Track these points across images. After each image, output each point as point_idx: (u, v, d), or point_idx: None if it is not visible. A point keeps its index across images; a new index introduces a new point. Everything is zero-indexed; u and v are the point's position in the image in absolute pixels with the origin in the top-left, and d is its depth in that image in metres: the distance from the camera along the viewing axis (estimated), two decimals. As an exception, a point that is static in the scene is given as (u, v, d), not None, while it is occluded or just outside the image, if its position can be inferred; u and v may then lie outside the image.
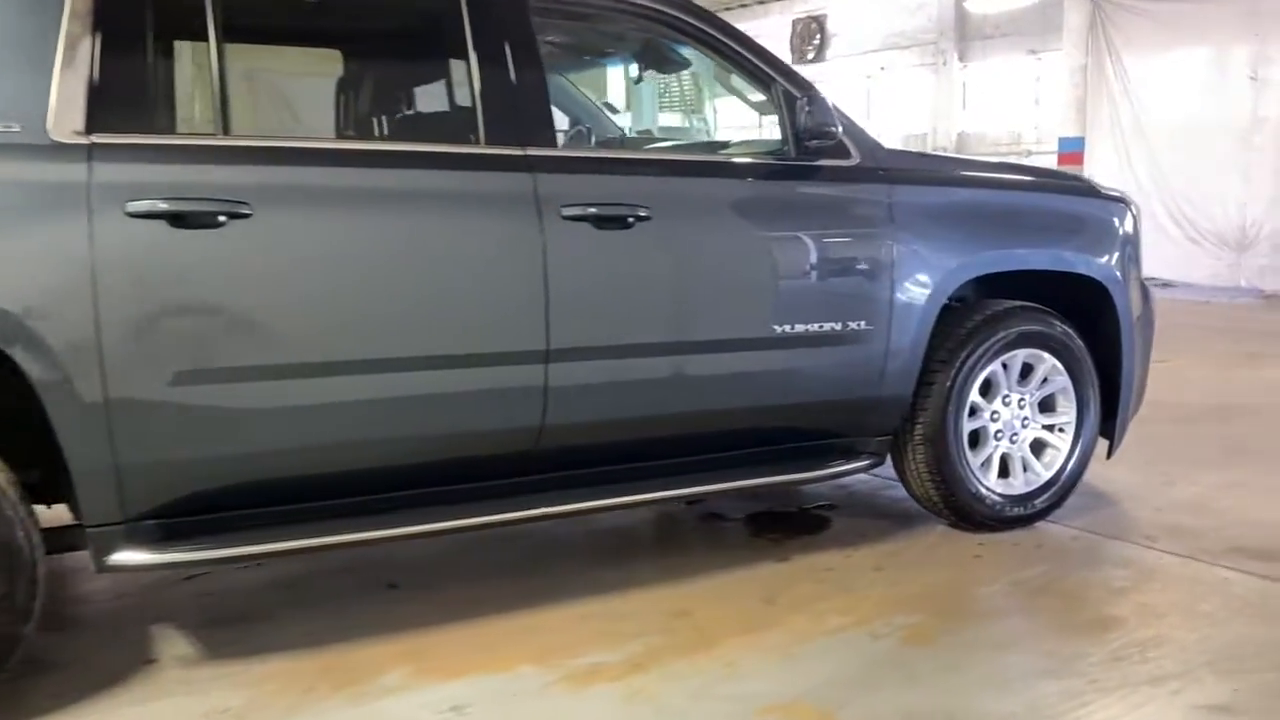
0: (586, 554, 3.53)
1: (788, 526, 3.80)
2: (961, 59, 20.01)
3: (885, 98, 21.63)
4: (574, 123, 4.35)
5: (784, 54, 21.93)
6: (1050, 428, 3.75)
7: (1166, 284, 10.74)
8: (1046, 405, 3.76)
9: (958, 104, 20.24)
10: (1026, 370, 3.68)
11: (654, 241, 2.99)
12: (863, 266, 3.30)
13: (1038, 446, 3.75)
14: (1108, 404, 3.82)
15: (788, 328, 3.19)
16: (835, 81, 22.38)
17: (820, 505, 4.01)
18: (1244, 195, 9.82)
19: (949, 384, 3.48)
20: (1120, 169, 10.57)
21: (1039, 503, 3.71)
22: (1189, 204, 10.18)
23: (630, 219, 2.93)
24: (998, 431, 3.65)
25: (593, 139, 4.21)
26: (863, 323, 3.30)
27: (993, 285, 3.80)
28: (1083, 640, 2.87)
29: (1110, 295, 3.71)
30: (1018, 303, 3.63)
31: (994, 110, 19.57)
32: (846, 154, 3.30)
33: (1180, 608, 3.06)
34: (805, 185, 3.25)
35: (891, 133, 21.19)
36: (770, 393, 3.25)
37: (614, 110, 4.49)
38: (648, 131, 5.46)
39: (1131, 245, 3.82)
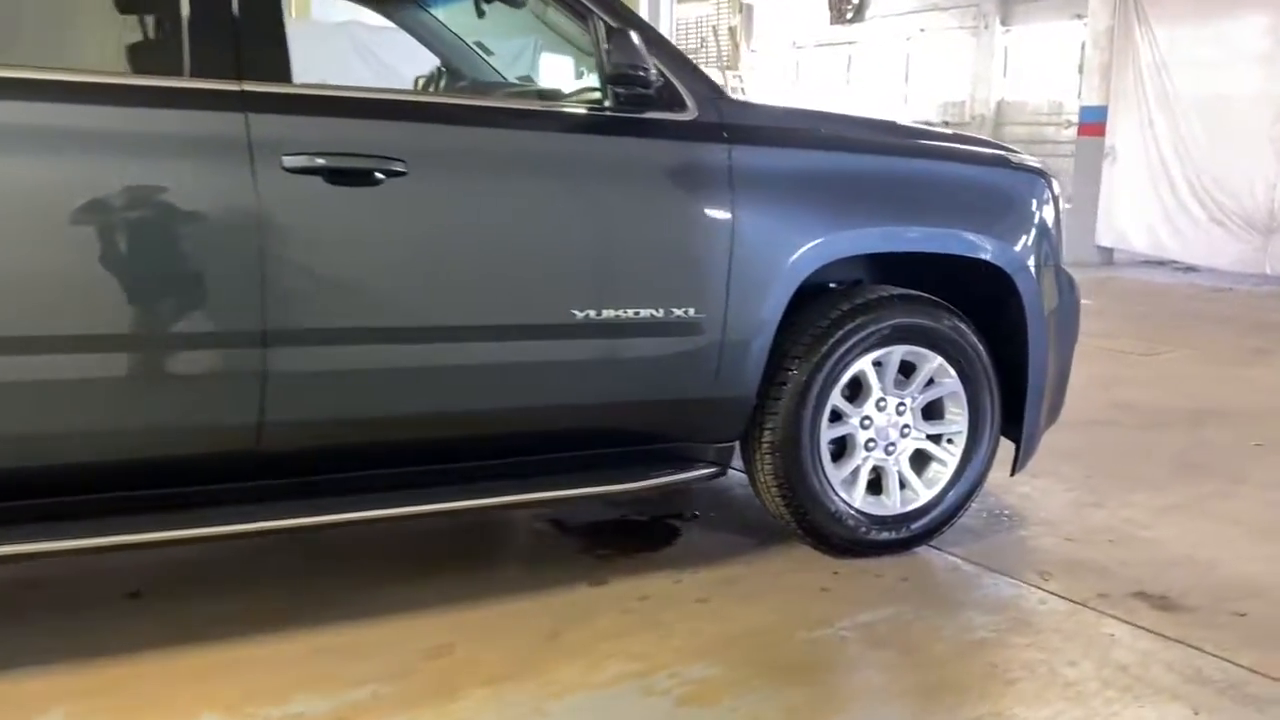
0: (372, 565, 3.04)
1: (630, 539, 3.29)
2: (1003, 22, 19.10)
3: (924, 62, 20.75)
4: (445, 65, 3.83)
5: (822, 14, 21.18)
6: (936, 438, 3.19)
7: (1189, 268, 10.00)
8: (934, 412, 3.20)
9: (998, 70, 19.35)
10: (910, 371, 3.12)
11: (411, 203, 2.47)
12: (691, 242, 2.75)
13: (921, 460, 3.19)
14: (1015, 412, 3.25)
15: (591, 313, 2.65)
16: (873, 43, 21.53)
17: (677, 515, 3.48)
18: (1275, 174, 9.02)
19: (804, 384, 2.93)
20: (1143, 142, 9.79)
21: (916, 526, 3.15)
22: (1214, 182, 9.39)
23: (378, 174, 2.41)
24: (869, 441, 3.09)
25: (441, 82, 3.70)
26: (690, 309, 2.76)
27: (885, 269, 3.25)
28: (898, 714, 2.34)
29: (1015, 285, 3.13)
30: (896, 290, 3.06)
31: (1036, 77, 18.67)
32: (679, 106, 2.75)
33: (1040, 673, 2.51)
34: (619, 141, 2.70)
35: (929, 99, 20.35)
36: (570, 390, 2.72)
37: (488, 52, 3.93)
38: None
39: (1047, 227, 3.23)
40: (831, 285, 3.14)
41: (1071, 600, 2.88)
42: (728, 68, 22.76)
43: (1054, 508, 3.61)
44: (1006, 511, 3.55)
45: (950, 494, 3.18)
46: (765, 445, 2.97)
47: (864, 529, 3.08)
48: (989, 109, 19.30)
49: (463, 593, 2.85)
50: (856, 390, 3.07)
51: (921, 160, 3.10)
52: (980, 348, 3.12)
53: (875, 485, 3.15)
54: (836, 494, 3.04)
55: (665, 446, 2.93)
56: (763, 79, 22.19)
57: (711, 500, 3.62)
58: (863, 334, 2.96)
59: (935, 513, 3.17)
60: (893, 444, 3.12)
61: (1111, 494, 3.75)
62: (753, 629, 2.69)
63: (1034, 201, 3.21)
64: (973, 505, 3.36)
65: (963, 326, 3.09)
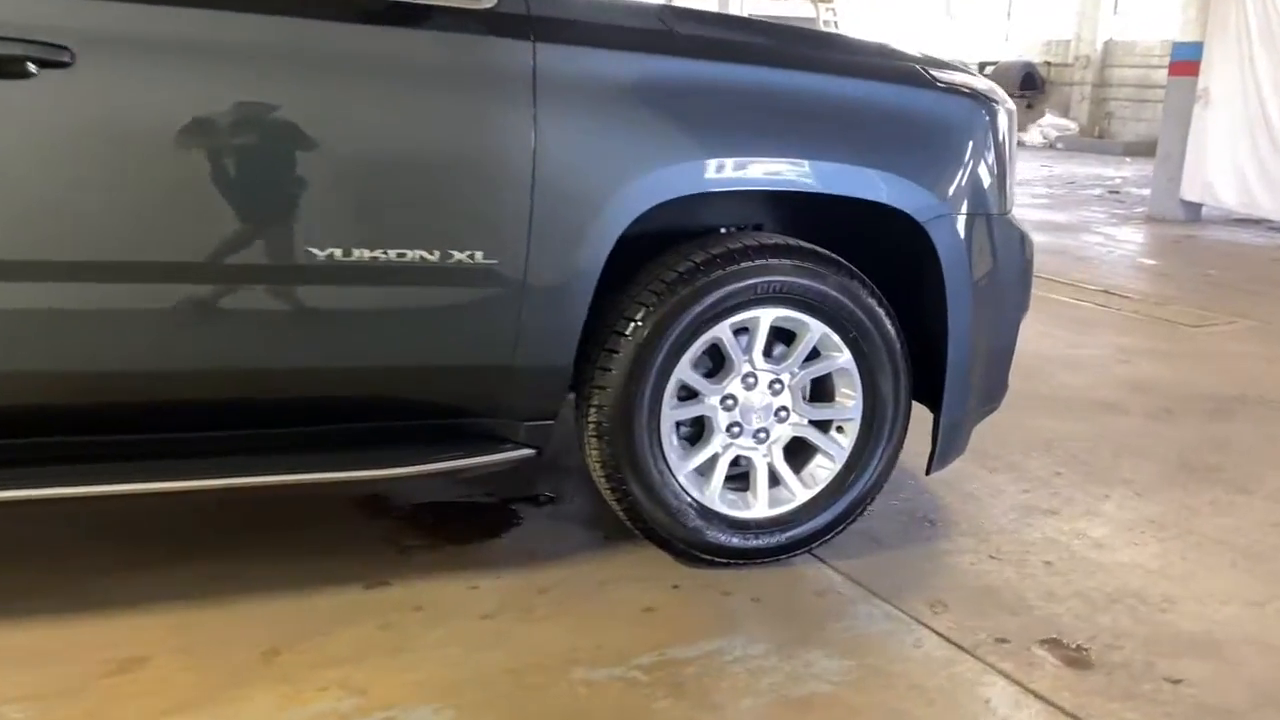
0: (122, 546, 2.56)
1: (455, 527, 2.75)
2: (1116, -46, 17.62)
3: (1028, -4, 19.34)
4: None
5: (920, -60, 19.92)
6: (824, 426, 2.57)
7: (1286, 228, 8.95)
8: (825, 393, 2.58)
9: (1107, 7, 17.93)
10: (793, 341, 2.50)
11: (81, 103, 1.93)
12: (477, 166, 2.16)
13: (804, 452, 2.58)
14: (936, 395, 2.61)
15: (336, 253, 2.09)
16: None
17: (530, 498, 2.92)
18: (1389, 125, 7.91)
19: (639, 353, 2.34)
20: (1241, 83, 8.69)
21: (791, 534, 2.54)
22: (1319, 131, 8.31)
23: (31, 64, 1.87)
24: (732, 425, 2.49)
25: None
26: (477, 253, 2.17)
27: (798, 213, 2.64)
28: (648, 799, 1.77)
29: (931, 238, 2.47)
30: (764, 238, 2.44)
31: (1147, 15, 17.22)
32: (472, -9, 2.14)
33: (865, 750, 1.91)
34: (382, 33, 2.10)
35: (1032, 37, 19.02)
36: (308, 349, 2.17)
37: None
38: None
39: (981, 167, 2.54)
40: (723, 230, 2.55)
41: (957, 645, 2.26)
42: (821, -1, 21.68)
43: (995, 514, 2.95)
44: (932, 516, 2.90)
45: (840, 495, 2.56)
46: (591, 426, 2.39)
47: (718, 533, 2.49)
48: (1095, 49, 17.94)
49: (209, 588, 2.35)
50: (721, 363, 2.47)
51: (800, 73, 2.42)
52: (881, 314, 2.48)
53: (746, 479, 2.55)
54: (682, 489, 2.45)
55: (463, 422, 2.37)
56: (857, 11, 21.03)
57: (582, 480, 3.05)
58: (718, 293, 2.35)
59: (818, 517, 2.56)
60: (764, 430, 2.51)
61: (1076, 499, 3.07)
62: (526, 661, 2.14)
63: (965, 133, 2.53)
64: (888, 506, 2.76)
65: (856, 287, 2.45)
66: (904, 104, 2.49)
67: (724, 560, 2.52)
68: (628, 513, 2.45)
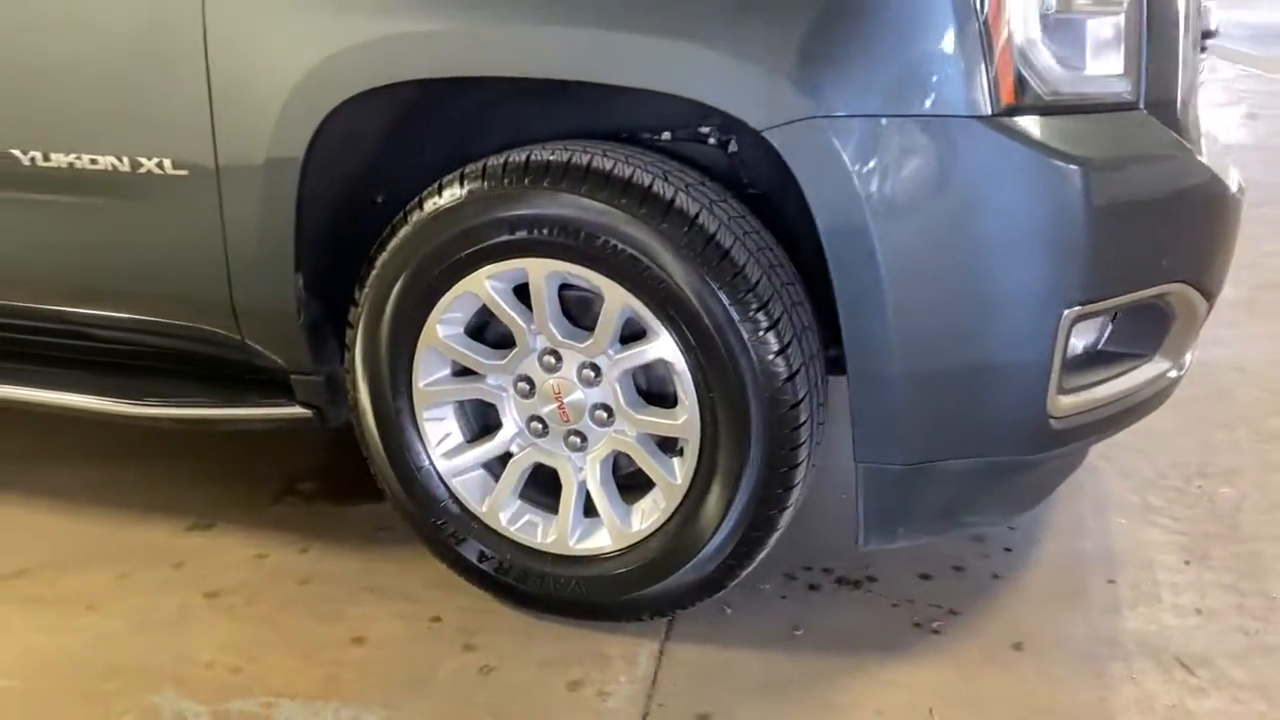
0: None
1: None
2: None
3: None
4: None
5: None
6: (669, 445, 1.70)
7: None
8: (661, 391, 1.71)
9: None
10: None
11: None
12: (144, 54, 1.74)
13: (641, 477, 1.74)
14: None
15: (36, 156, 1.85)
16: None
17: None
18: None
19: (369, 308, 1.75)
20: None
21: (594, 597, 1.74)
22: None
23: None
24: (533, 421, 1.75)
25: None
26: (165, 160, 1.77)
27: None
28: None
29: (790, 167, 1.46)
30: (545, 151, 1.62)
31: None
32: None
33: None
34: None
35: None
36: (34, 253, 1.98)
37: None
38: None
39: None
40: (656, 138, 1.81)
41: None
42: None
43: (1087, 651, 1.71)
44: (935, 625, 1.77)
45: (670, 556, 1.68)
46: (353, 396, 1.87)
47: (496, 560, 1.80)
48: None
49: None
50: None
51: None
52: (705, 284, 1.53)
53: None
54: (450, 493, 1.81)
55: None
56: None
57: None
58: (457, 232, 1.65)
59: (641, 584, 1.72)
60: (578, 433, 1.73)
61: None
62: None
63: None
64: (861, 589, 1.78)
65: (652, 233, 1.53)
66: None
67: (518, 600, 1.83)
68: (398, 503, 1.87)
